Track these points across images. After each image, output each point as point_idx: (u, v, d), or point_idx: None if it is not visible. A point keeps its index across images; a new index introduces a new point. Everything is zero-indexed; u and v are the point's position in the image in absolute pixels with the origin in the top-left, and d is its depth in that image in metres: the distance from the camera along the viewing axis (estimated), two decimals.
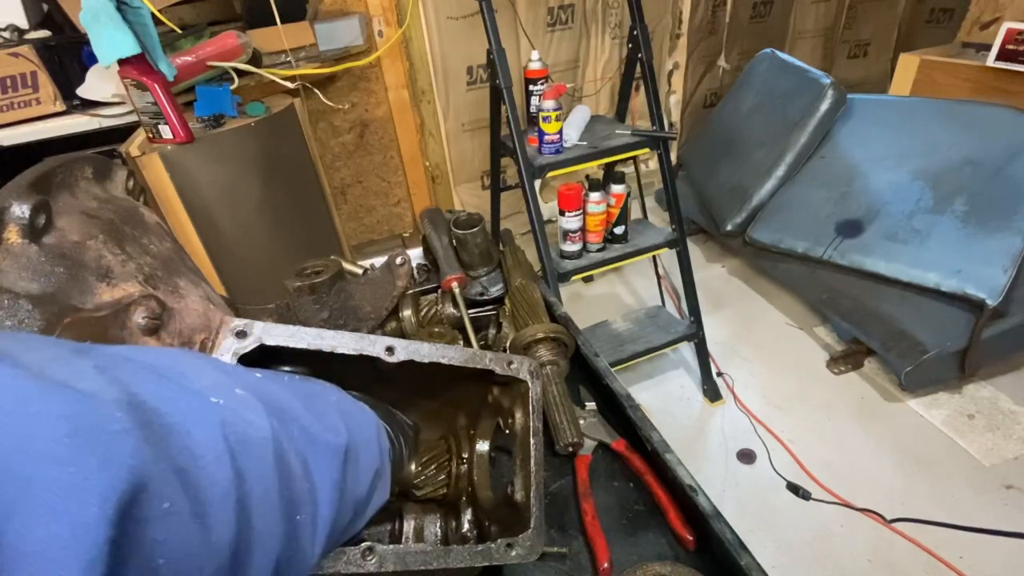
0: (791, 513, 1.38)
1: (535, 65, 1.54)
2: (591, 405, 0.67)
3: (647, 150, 1.48)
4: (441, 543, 0.45)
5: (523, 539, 0.41)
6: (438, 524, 0.46)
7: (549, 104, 1.35)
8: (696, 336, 1.68)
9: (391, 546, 0.36)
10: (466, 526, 0.47)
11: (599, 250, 1.56)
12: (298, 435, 0.28)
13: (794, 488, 1.43)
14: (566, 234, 1.51)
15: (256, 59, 1.45)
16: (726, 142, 2.24)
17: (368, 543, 0.35)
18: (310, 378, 0.37)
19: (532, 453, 0.45)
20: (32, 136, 1.31)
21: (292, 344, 0.36)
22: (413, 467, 0.49)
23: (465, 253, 0.77)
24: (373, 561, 0.34)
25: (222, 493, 0.21)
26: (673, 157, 2.49)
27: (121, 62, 1.08)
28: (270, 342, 0.36)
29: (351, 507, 0.32)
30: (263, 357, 0.37)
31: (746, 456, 1.54)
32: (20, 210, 0.39)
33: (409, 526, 0.45)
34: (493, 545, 0.40)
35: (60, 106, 1.33)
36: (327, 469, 0.29)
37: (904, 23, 2.99)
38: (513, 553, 0.40)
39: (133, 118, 1.31)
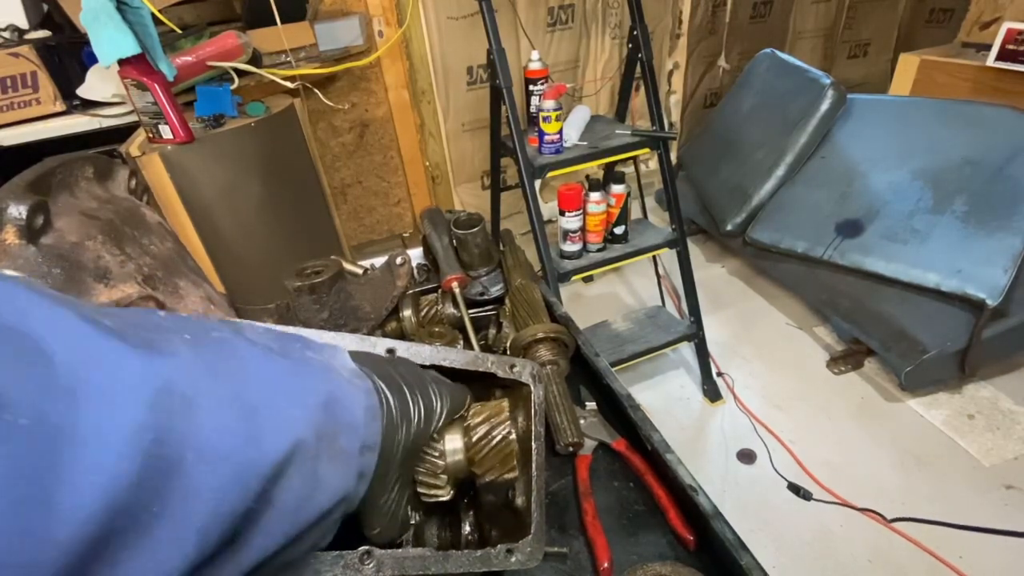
0: (791, 513, 1.38)
1: (535, 65, 1.54)
2: (591, 405, 0.67)
3: (647, 150, 1.48)
4: (441, 548, 0.45)
5: (523, 544, 0.41)
6: (438, 528, 0.46)
7: (549, 104, 1.35)
8: (696, 336, 1.68)
9: (389, 551, 0.35)
10: (467, 530, 0.47)
11: (599, 250, 1.56)
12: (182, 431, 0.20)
13: (794, 488, 1.43)
14: (566, 234, 1.51)
15: (256, 59, 1.45)
16: (726, 142, 2.24)
17: (366, 547, 0.35)
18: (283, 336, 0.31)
19: (534, 457, 0.45)
20: (32, 136, 1.31)
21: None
22: (459, 441, 0.40)
23: (465, 253, 0.77)
24: (371, 565, 0.34)
25: None
26: (673, 157, 2.49)
27: (121, 62, 1.08)
28: None
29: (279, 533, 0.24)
30: None
31: (746, 456, 1.54)
32: (17, 211, 0.39)
33: (409, 530, 0.44)
34: (493, 550, 0.39)
35: (60, 106, 1.33)
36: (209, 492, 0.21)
37: (904, 23, 2.99)
38: (513, 559, 0.40)
39: (133, 118, 1.31)
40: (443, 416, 0.38)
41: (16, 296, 0.18)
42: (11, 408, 0.15)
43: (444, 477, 0.39)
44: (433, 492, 0.39)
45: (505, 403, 0.43)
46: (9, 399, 0.16)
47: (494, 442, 0.40)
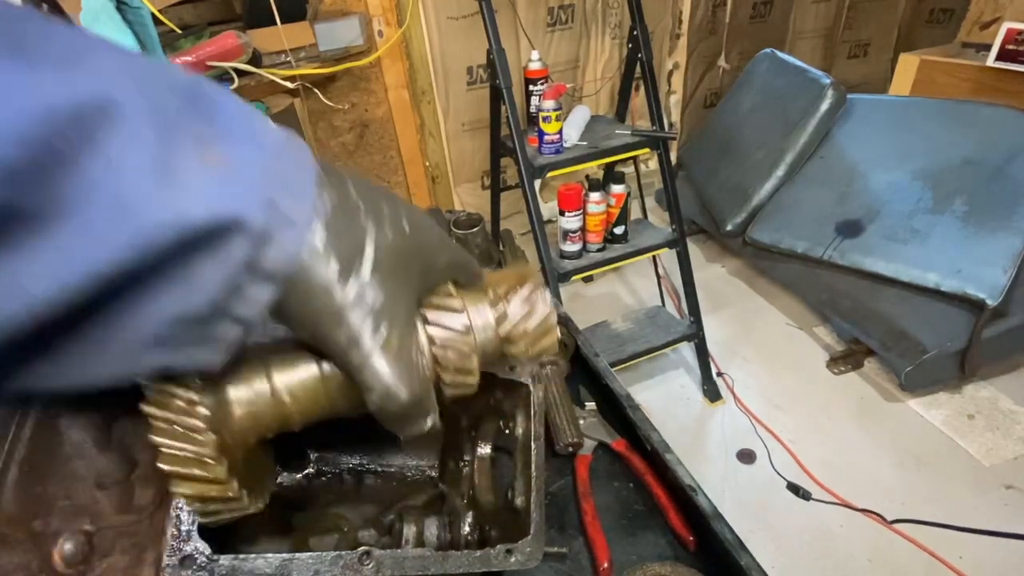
0: (791, 513, 1.38)
1: (535, 65, 1.54)
2: (591, 405, 0.67)
3: (647, 150, 1.48)
4: (440, 548, 0.45)
5: (523, 544, 0.41)
6: (438, 528, 0.46)
7: (549, 104, 1.35)
8: (696, 336, 1.68)
9: (388, 551, 0.35)
10: (466, 530, 0.47)
11: (599, 250, 1.56)
12: None
13: (794, 488, 1.43)
14: (566, 234, 1.51)
15: (256, 59, 1.45)
16: (726, 142, 2.24)
17: (365, 547, 0.35)
18: None
19: (533, 458, 0.45)
20: None
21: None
22: (488, 313, 0.31)
23: None
24: (370, 566, 0.34)
25: None
26: (673, 157, 2.49)
27: None
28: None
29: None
30: None
31: (746, 456, 1.54)
32: None
33: (409, 530, 0.44)
34: (492, 551, 0.39)
35: None
36: None
37: (904, 23, 2.99)
38: (512, 559, 0.40)
39: None
40: (448, 247, 0.29)
41: None
42: None
43: (474, 358, 0.30)
44: (461, 380, 0.30)
45: (531, 267, 0.34)
46: None
47: (536, 313, 0.31)
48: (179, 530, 0.29)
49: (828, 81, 1.93)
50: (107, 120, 0.17)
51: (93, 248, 0.17)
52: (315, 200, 0.21)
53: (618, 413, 0.63)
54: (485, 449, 0.53)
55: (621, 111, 1.75)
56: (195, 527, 0.30)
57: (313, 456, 0.48)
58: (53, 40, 0.17)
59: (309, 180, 0.21)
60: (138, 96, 0.18)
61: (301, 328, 0.24)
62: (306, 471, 0.47)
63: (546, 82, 1.55)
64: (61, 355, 0.19)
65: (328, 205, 0.22)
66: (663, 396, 1.77)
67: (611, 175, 1.74)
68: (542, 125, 1.38)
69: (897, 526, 1.32)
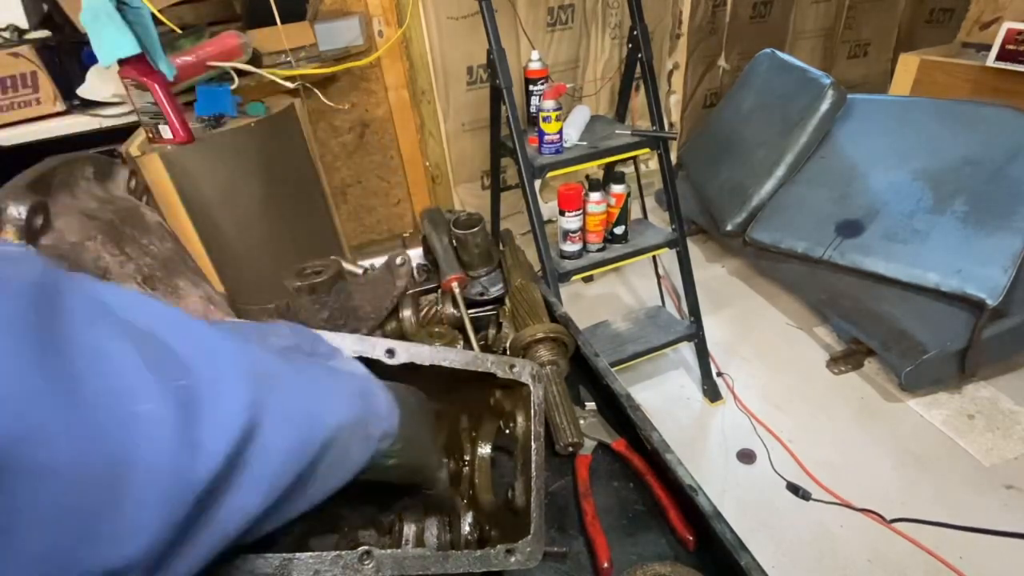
0: (791, 513, 1.38)
1: (535, 65, 1.54)
2: (591, 405, 0.67)
3: (647, 150, 1.48)
4: (441, 548, 0.45)
5: (523, 545, 0.41)
6: (438, 528, 0.46)
7: (549, 104, 1.35)
8: (696, 336, 1.68)
9: (389, 551, 0.35)
10: (466, 529, 0.47)
11: (599, 250, 1.56)
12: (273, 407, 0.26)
13: (794, 488, 1.43)
14: (566, 234, 1.50)
15: (256, 59, 1.45)
16: (726, 142, 2.24)
17: (366, 547, 0.35)
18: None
19: (533, 458, 0.45)
20: (32, 136, 1.31)
21: (229, 322, 0.36)
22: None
23: (465, 253, 0.77)
24: (370, 565, 0.34)
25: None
26: (673, 157, 2.49)
27: (121, 62, 1.08)
28: None
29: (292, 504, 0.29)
30: None
31: (746, 456, 1.54)
32: (17, 211, 0.39)
33: (409, 530, 0.44)
34: (492, 551, 0.39)
35: (60, 106, 1.33)
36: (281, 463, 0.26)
37: (904, 23, 2.99)
38: (512, 559, 0.40)
39: (133, 118, 1.31)
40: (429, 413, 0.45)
41: (148, 307, 0.24)
42: (168, 377, 0.22)
43: None
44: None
45: None
46: (164, 372, 0.22)
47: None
48: None
49: (828, 81, 1.93)
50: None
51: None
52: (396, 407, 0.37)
53: (618, 413, 0.63)
54: (485, 449, 0.53)
55: (621, 111, 1.75)
56: None
57: None
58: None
59: (387, 390, 0.38)
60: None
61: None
62: None
63: (546, 82, 1.55)
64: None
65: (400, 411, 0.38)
66: (663, 396, 1.77)
67: (611, 175, 1.74)
68: (542, 125, 1.38)
69: (897, 526, 1.32)
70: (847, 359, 1.79)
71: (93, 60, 1.27)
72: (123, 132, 1.34)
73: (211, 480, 0.22)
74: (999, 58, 1.81)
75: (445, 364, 0.42)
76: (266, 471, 0.25)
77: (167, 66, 1.14)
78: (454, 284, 0.73)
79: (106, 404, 0.19)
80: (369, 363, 0.38)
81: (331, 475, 0.31)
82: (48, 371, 0.18)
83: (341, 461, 0.31)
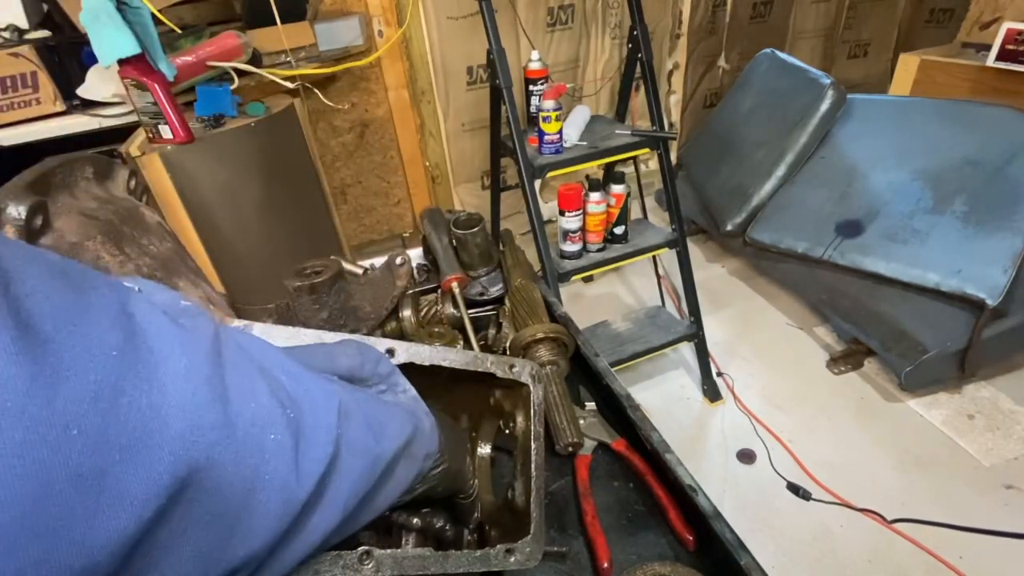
0: (791, 513, 1.38)
1: (535, 65, 1.54)
2: (591, 405, 0.67)
3: (647, 150, 1.48)
4: (441, 548, 0.45)
5: (522, 545, 0.41)
6: (438, 528, 0.46)
7: (549, 104, 1.35)
8: (696, 336, 1.67)
9: (388, 551, 0.35)
10: (466, 530, 0.47)
11: (599, 250, 1.56)
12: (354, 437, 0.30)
13: (794, 488, 1.43)
14: (566, 234, 1.50)
15: (256, 59, 1.45)
16: (726, 142, 2.24)
17: (365, 547, 0.35)
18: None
19: (533, 457, 0.45)
20: (32, 136, 1.31)
21: (292, 345, 0.36)
22: None
23: (465, 253, 0.77)
24: (370, 565, 0.34)
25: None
26: (673, 157, 2.49)
27: (121, 62, 1.08)
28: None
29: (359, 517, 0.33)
30: None
31: (746, 456, 1.54)
32: (16, 211, 0.39)
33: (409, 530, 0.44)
34: (492, 550, 0.39)
35: (60, 106, 1.33)
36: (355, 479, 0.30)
37: (904, 23, 2.99)
38: (512, 559, 0.40)
39: (133, 118, 1.31)
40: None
41: (259, 345, 0.29)
42: (292, 407, 0.26)
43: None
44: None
45: None
46: (286, 405, 0.26)
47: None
48: None
49: (828, 81, 1.93)
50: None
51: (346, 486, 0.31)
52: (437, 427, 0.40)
53: (618, 413, 0.63)
54: (485, 449, 0.53)
55: (621, 111, 1.75)
56: None
57: None
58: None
59: (429, 413, 0.40)
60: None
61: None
62: None
63: (546, 82, 1.55)
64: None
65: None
66: (663, 396, 1.77)
67: (611, 175, 1.74)
68: (542, 125, 1.38)
69: (897, 526, 1.32)
70: (847, 359, 1.79)
71: (93, 60, 1.27)
72: (123, 132, 1.34)
73: (307, 499, 0.26)
74: (999, 58, 1.81)
75: (445, 364, 0.42)
76: (342, 494, 0.29)
77: (167, 66, 1.14)
78: (454, 284, 0.73)
79: (253, 433, 0.23)
80: None
81: (384, 495, 0.34)
82: (219, 405, 0.22)
83: (393, 482, 0.34)
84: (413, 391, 0.40)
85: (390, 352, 0.40)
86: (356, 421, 0.31)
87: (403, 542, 0.43)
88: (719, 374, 1.80)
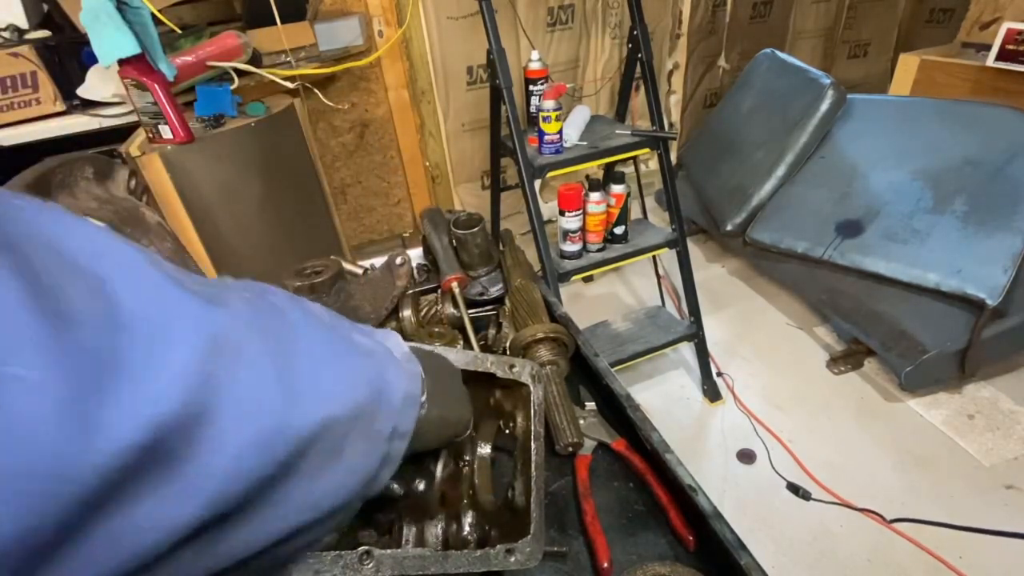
0: (791, 513, 1.38)
1: (535, 65, 1.54)
2: (591, 405, 0.67)
3: (647, 150, 1.48)
4: (442, 547, 0.45)
5: (523, 545, 0.41)
6: (439, 528, 0.46)
7: (549, 104, 1.35)
8: (696, 336, 1.67)
9: (388, 551, 0.35)
10: (466, 529, 0.47)
11: (599, 250, 1.56)
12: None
13: (794, 488, 1.43)
14: (566, 234, 1.50)
15: (256, 59, 1.45)
16: (726, 142, 2.24)
17: (365, 547, 0.35)
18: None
19: (533, 457, 0.45)
20: (32, 136, 1.31)
21: None
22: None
23: (465, 253, 0.77)
24: (370, 565, 0.34)
25: None
26: (673, 157, 2.49)
27: (121, 62, 1.08)
28: None
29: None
30: None
31: (746, 456, 1.54)
32: None
33: (410, 530, 0.44)
34: (492, 551, 0.39)
35: (60, 106, 1.33)
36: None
37: (904, 23, 2.99)
38: (512, 559, 0.40)
39: (133, 118, 1.31)
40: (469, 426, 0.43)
41: (95, 240, 0.20)
42: (81, 330, 0.17)
43: None
44: None
45: None
46: (81, 323, 0.17)
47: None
48: None
49: (828, 81, 1.93)
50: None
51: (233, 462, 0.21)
52: (423, 385, 0.33)
53: (618, 413, 0.63)
54: (485, 449, 0.52)
55: (621, 111, 1.75)
56: None
57: None
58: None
59: (418, 372, 0.33)
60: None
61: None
62: None
63: (546, 82, 1.55)
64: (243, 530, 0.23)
65: (427, 387, 0.34)
66: (663, 396, 1.77)
67: (611, 175, 1.74)
68: (542, 125, 1.38)
69: (897, 526, 1.32)
70: (847, 359, 1.79)
71: (93, 60, 1.27)
72: (123, 132, 1.34)
73: (106, 476, 0.17)
74: (999, 58, 1.81)
75: None
76: (209, 473, 0.19)
77: (167, 66, 1.14)
78: (454, 284, 0.73)
79: None
80: None
81: (318, 484, 0.25)
82: None
83: (331, 465, 0.25)
84: (405, 347, 0.33)
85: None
86: (255, 361, 0.22)
87: (403, 542, 0.43)
88: (719, 374, 1.80)
